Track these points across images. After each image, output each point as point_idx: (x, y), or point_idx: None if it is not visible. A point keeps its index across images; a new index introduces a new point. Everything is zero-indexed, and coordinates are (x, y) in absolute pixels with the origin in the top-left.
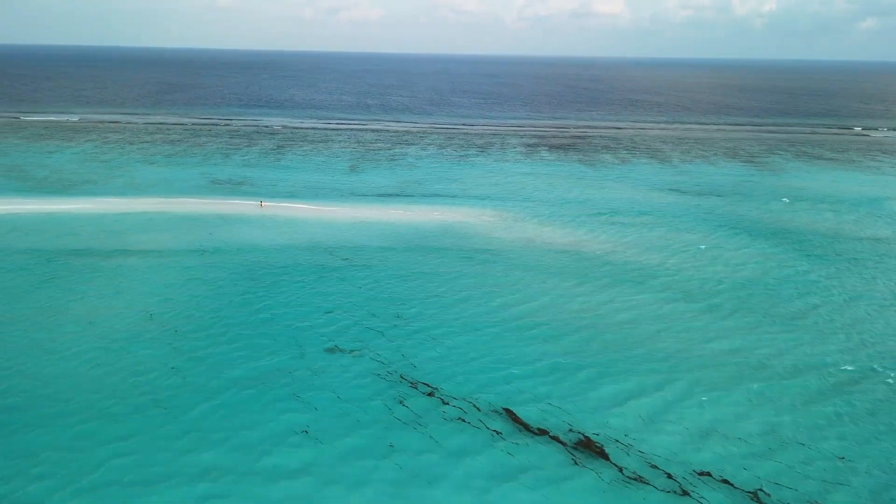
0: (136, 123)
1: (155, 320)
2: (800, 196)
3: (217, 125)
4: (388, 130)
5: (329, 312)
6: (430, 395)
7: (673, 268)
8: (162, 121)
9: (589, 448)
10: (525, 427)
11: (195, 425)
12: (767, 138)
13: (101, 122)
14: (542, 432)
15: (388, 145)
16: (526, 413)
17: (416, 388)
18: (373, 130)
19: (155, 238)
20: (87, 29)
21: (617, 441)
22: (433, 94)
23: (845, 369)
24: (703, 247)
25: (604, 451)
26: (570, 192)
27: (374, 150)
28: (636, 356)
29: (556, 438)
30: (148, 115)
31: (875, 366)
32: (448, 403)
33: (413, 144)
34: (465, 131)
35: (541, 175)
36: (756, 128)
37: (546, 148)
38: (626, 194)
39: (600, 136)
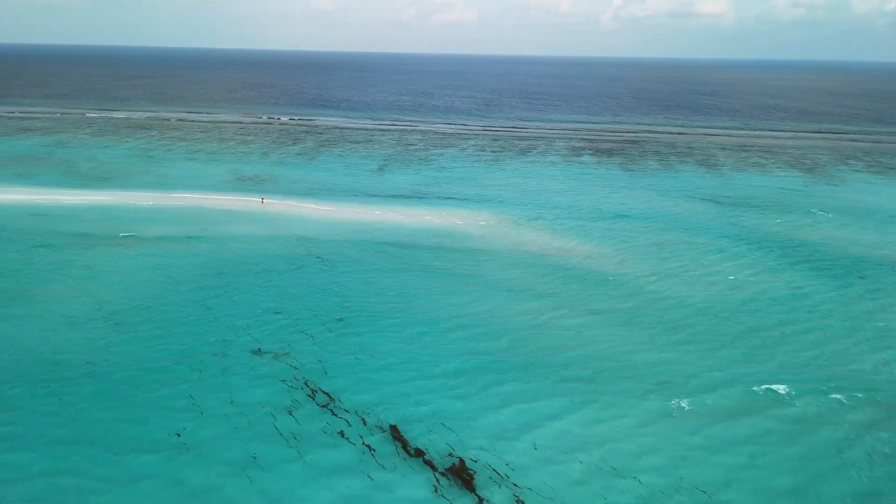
0: (197, 122)
1: (102, 306)
2: (845, 209)
3: (270, 123)
4: (434, 132)
5: (277, 313)
6: (324, 405)
7: (647, 282)
8: (224, 119)
9: (458, 475)
10: (403, 446)
11: (75, 407)
12: (844, 147)
13: (168, 119)
14: (419, 453)
15: (428, 147)
16: (413, 431)
17: (313, 397)
18: (420, 131)
19: (142, 229)
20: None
21: (494, 470)
22: (493, 95)
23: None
24: (704, 260)
25: (472, 480)
26: (589, 197)
27: (411, 151)
28: (559, 377)
29: (429, 462)
30: (213, 112)
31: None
32: (337, 415)
33: (453, 146)
34: (515, 133)
35: (568, 179)
36: (838, 135)
37: (591, 152)
38: (648, 202)
39: (656, 141)
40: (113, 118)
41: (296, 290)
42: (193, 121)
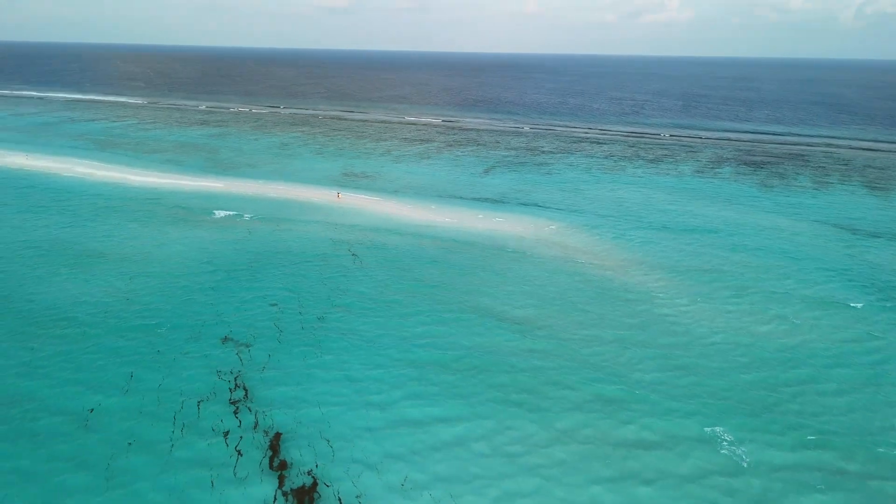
0: (348, 119)
1: (140, 271)
2: None
3: (413, 123)
4: (570, 136)
5: (273, 305)
6: (234, 402)
7: (691, 314)
8: (374, 118)
9: (301, 497)
10: (272, 456)
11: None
12: None
13: (329, 116)
14: (281, 467)
15: (552, 150)
16: (295, 443)
17: (231, 392)
18: (556, 135)
19: (222, 213)
20: (411, 37)
21: (339, 500)
22: (653, 97)
23: None
24: (784, 299)
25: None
26: (689, 213)
27: (531, 154)
28: (495, 401)
29: (283, 478)
30: (367, 111)
31: None
32: (236, 414)
33: (580, 152)
34: (657, 140)
35: (681, 193)
36: None
37: (735, 164)
38: (759, 222)
39: (827, 156)
40: (279, 113)
41: (307, 283)
42: (345, 118)
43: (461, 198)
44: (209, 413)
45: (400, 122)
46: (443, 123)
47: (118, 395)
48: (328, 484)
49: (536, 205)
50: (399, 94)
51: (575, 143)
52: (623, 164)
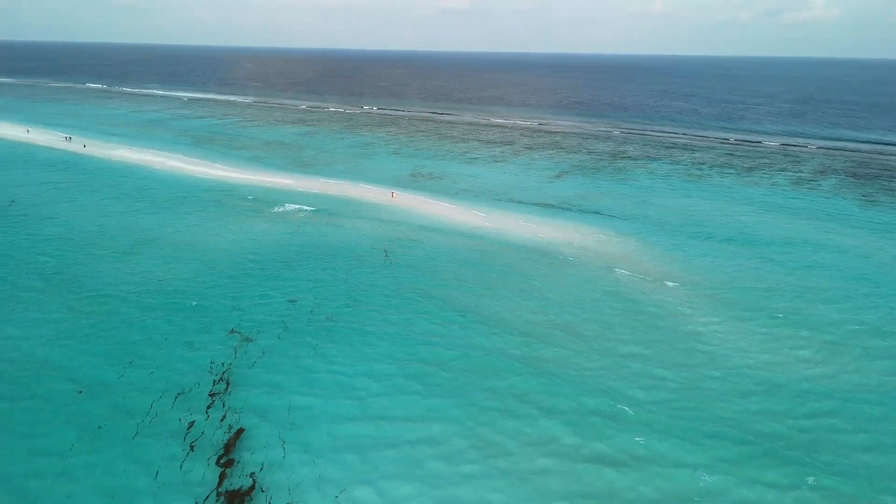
0: (440, 121)
1: (189, 258)
2: None
3: (505, 126)
4: (662, 141)
5: (293, 301)
6: (212, 394)
7: (715, 337)
8: (469, 120)
9: (232, 499)
10: (223, 453)
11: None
12: None
13: (419, 118)
14: (227, 465)
15: (637, 156)
16: (255, 441)
17: (214, 384)
18: (647, 139)
19: (281, 208)
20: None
21: None
22: (767, 100)
23: None
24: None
25: None
26: (761, 228)
27: (611, 159)
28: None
29: (223, 475)
30: (463, 113)
31: None
32: (209, 407)
33: (667, 158)
34: (758, 148)
35: (766, 205)
36: None
37: (839, 176)
38: (840, 241)
39: None
40: (371, 113)
41: (330, 280)
42: (434, 119)
43: (519, 202)
44: (183, 404)
45: (487, 124)
46: (531, 126)
47: (113, 375)
48: (264, 489)
49: (597, 212)
50: (497, 95)
51: (665, 148)
52: (710, 172)
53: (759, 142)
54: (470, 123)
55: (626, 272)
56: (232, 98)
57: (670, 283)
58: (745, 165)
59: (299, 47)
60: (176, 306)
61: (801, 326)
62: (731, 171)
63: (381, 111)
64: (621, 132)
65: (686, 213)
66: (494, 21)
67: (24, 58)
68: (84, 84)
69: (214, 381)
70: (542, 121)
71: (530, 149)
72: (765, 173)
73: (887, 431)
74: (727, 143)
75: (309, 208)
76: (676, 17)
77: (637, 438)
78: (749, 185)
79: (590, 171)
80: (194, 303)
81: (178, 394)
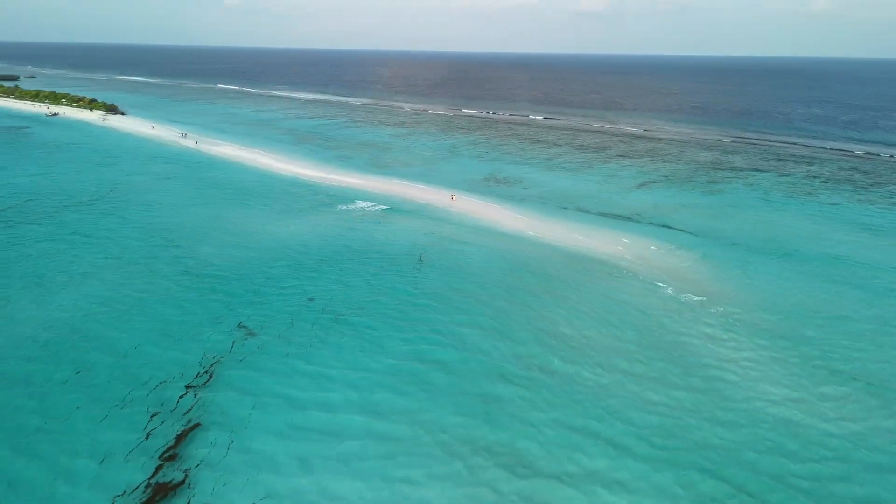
0: (539, 125)
1: (213, 257)
2: None
3: (601, 131)
4: (776, 151)
5: (311, 299)
6: (189, 386)
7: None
8: (572, 124)
9: (157, 492)
10: (171, 445)
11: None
12: None
13: (518, 121)
14: (169, 458)
15: (742, 167)
16: (208, 437)
17: (196, 377)
18: (759, 149)
19: (343, 206)
20: (675, 41)
21: None
22: None
23: None
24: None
25: (158, 500)
26: (852, 251)
27: (710, 169)
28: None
29: (159, 468)
30: (568, 117)
31: None
32: (179, 397)
33: (770, 171)
34: (891, 162)
35: (871, 229)
36: None
37: None
38: None
39: None
40: (473, 116)
41: (356, 280)
42: (535, 123)
43: (584, 211)
44: (160, 393)
45: (587, 129)
46: (634, 132)
47: (109, 360)
48: (191, 485)
49: (666, 226)
50: (610, 99)
51: (776, 160)
52: (820, 188)
53: (893, 156)
54: (570, 128)
55: (670, 289)
56: (346, 100)
57: (713, 306)
58: (865, 182)
59: (429, 51)
60: (204, 294)
61: (847, 368)
62: (847, 187)
63: (483, 114)
64: (732, 140)
65: (769, 232)
66: (631, 23)
67: (167, 61)
68: (217, 85)
69: (199, 373)
70: (648, 126)
71: (623, 156)
72: (887, 192)
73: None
74: (851, 156)
75: (370, 208)
76: (843, 16)
77: (610, 463)
78: (861, 204)
79: (679, 181)
80: (217, 295)
81: (161, 383)
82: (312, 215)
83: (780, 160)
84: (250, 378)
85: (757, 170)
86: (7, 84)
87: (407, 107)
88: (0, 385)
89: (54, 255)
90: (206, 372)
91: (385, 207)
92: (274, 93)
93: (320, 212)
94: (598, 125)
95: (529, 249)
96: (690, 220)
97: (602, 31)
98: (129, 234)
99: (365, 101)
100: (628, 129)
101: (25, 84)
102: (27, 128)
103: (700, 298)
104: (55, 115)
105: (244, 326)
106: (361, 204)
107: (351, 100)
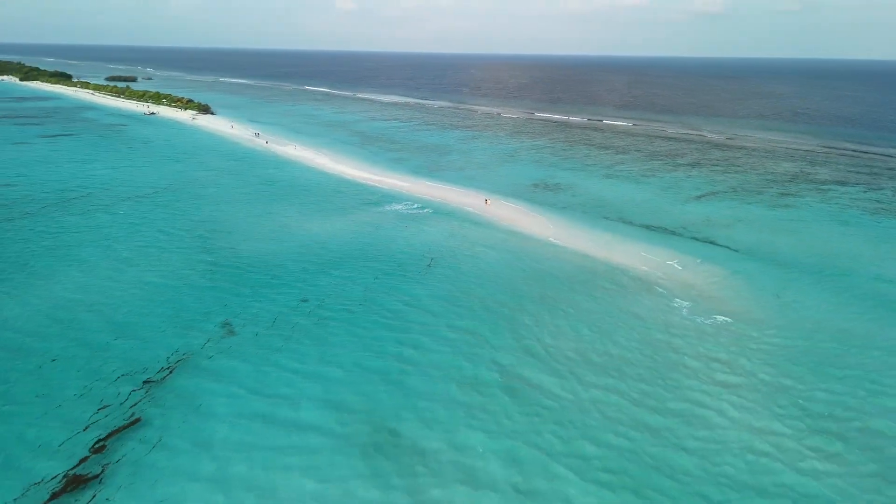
0: (616, 130)
1: (240, 251)
2: None
3: (677, 138)
4: (874, 164)
5: (304, 301)
6: (148, 381)
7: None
8: (648, 130)
9: (72, 483)
10: (110, 435)
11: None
12: None
13: (595, 126)
14: (96, 451)
15: (824, 180)
16: (126, 438)
17: (160, 370)
18: (855, 161)
19: (375, 207)
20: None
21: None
22: None
23: None
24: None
25: (68, 490)
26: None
27: (787, 182)
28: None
29: (85, 459)
30: (651, 122)
31: None
32: (132, 394)
33: (857, 184)
34: None
35: None
36: None
37: None
38: None
39: None
40: (547, 120)
41: (354, 284)
42: (612, 128)
43: (626, 222)
44: (117, 387)
45: (665, 136)
46: (715, 139)
47: (86, 352)
48: (102, 481)
49: (711, 241)
50: (704, 103)
51: (869, 174)
52: (885, 205)
53: None
54: (647, 134)
55: (685, 307)
56: (426, 102)
57: (727, 329)
58: None
59: (535, 54)
60: (206, 289)
61: (844, 424)
62: None
63: (559, 118)
64: (826, 150)
65: (827, 252)
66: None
67: (271, 64)
68: (305, 87)
69: (161, 368)
70: (733, 133)
71: (693, 165)
72: None
73: None
74: None
75: (403, 210)
76: None
77: (553, 484)
78: None
79: (745, 193)
80: (221, 289)
81: (122, 376)
82: (344, 215)
83: (873, 174)
84: (208, 376)
85: (841, 183)
86: (121, 85)
87: (483, 110)
88: None
89: (88, 244)
90: (168, 368)
91: (418, 210)
92: (358, 95)
93: (353, 212)
94: (678, 131)
95: (550, 258)
96: (740, 235)
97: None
98: (170, 227)
99: (444, 104)
100: (710, 135)
101: (140, 85)
102: (124, 125)
103: (715, 318)
104: (153, 114)
105: (228, 324)
106: (397, 206)
107: (430, 103)
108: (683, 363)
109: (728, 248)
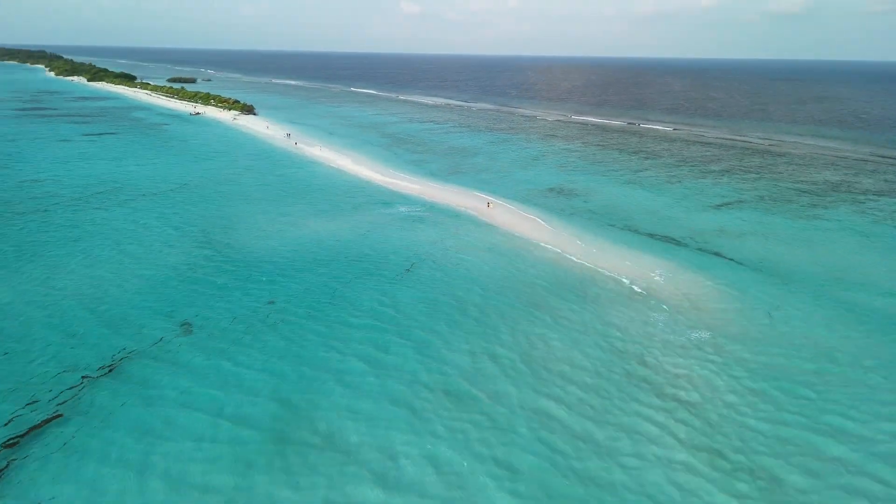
0: (652, 135)
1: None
2: None
3: (722, 143)
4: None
5: (271, 302)
6: (85, 376)
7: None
8: (690, 136)
9: None
10: (41, 424)
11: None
12: None
13: (633, 130)
14: (6, 447)
15: (865, 189)
16: (43, 433)
17: (103, 367)
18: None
19: (381, 208)
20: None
21: None
22: None
23: None
24: None
25: None
26: None
27: (823, 191)
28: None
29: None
30: (696, 127)
31: None
32: (68, 391)
33: (893, 196)
34: None
35: None
36: None
37: None
38: None
39: None
40: (589, 123)
41: (323, 289)
42: (651, 133)
43: (633, 230)
44: (55, 381)
45: (702, 140)
46: (756, 144)
47: (51, 344)
48: (1, 476)
49: (715, 252)
50: (757, 107)
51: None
52: None
53: None
54: (683, 139)
55: (661, 320)
56: (468, 104)
57: (702, 344)
58: None
59: (607, 56)
60: (177, 287)
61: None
62: None
63: (597, 121)
64: (878, 158)
65: (841, 267)
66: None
67: (327, 67)
68: (350, 88)
69: (102, 366)
70: (780, 140)
71: (725, 171)
72: None
73: None
74: None
75: (405, 212)
76: None
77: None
78: None
79: (772, 203)
80: (195, 286)
81: (63, 371)
82: (346, 216)
83: None
84: (146, 375)
85: (884, 194)
86: (178, 86)
87: (525, 112)
88: None
89: (86, 238)
90: (109, 365)
91: (419, 213)
92: (401, 97)
93: (356, 213)
94: (720, 136)
95: (536, 263)
96: (751, 247)
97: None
98: (174, 222)
99: (486, 106)
100: (755, 141)
101: (198, 86)
102: (167, 125)
103: (692, 333)
104: (198, 114)
105: (187, 323)
106: (401, 208)
107: (472, 105)
108: (644, 377)
109: (732, 259)
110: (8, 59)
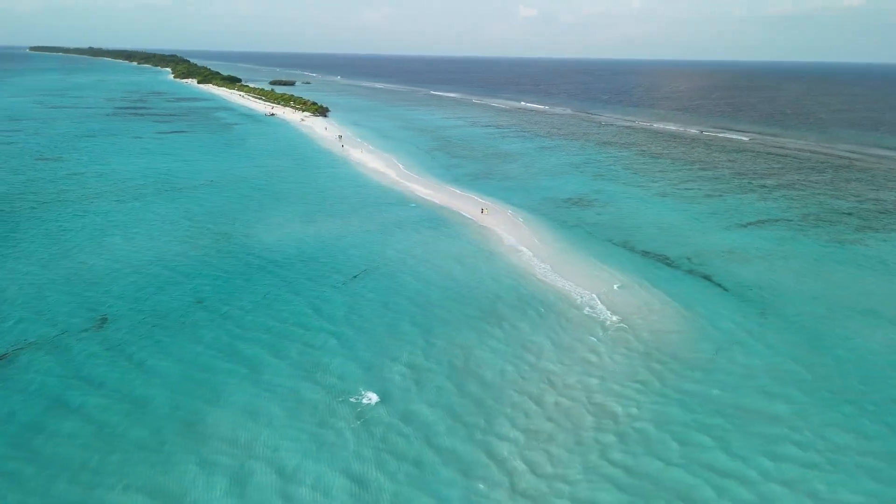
0: (720, 143)
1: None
2: None
3: (793, 154)
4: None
5: (199, 302)
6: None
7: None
8: (763, 146)
9: None
10: None
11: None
12: None
13: (699, 137)
14: None
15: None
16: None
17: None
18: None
19: (387, 211)
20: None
21: None
22: None
23: None
24: None
25: None
26: None
27: (877, 213)
28: None
29: None
30: (777, 135)
31: None
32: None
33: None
34: None
35: None
36: None
37: None
38: None
39: None
40: (653, 128)
41: (258, 291)
42: (733, 146)
43: (629, 248)
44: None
45: (776, 152)
46: (840, 156)
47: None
48: None
49: (705, 276)
50: (870, 115)
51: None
52: None
53: None
54: (754, 150)
55: (606, 339)
56: (543, 108)
57: (643, 367)
58: None
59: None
60: (134, 281)
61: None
62: None
63: (670, 128)
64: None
65: (853, 306)
66: None
67: (430, 70)
68: (433, 92)
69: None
70: (872, 153)
71: (778, 186)
72: None
73: None
74: None
75: (404, 215)
76: None
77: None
78: None
79: (814, 223)
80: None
81: (23, 348)
82: (330, 219)
83: None
84: (32, 369)
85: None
86: (279, 89)
87: (601, 119)
88: None
89: (83, 230)
90: (2, 356)
91: (417, 217)
92: (482, 101)
93: (353, 216)
94: (801, 146)
95: (502, 274)
96: (752, 271)
97: None
98: (179, 217)
99: (564, 110)
100: (839, 153)
101: (295, 89)
102: (238, 124)
103: (627, 355)
104: (272, 114)
105: (104, 318)
106: (402, 213)
107: (549, 109)
108: (552, 401)
109: (719, 285)
110: (145, 63)
